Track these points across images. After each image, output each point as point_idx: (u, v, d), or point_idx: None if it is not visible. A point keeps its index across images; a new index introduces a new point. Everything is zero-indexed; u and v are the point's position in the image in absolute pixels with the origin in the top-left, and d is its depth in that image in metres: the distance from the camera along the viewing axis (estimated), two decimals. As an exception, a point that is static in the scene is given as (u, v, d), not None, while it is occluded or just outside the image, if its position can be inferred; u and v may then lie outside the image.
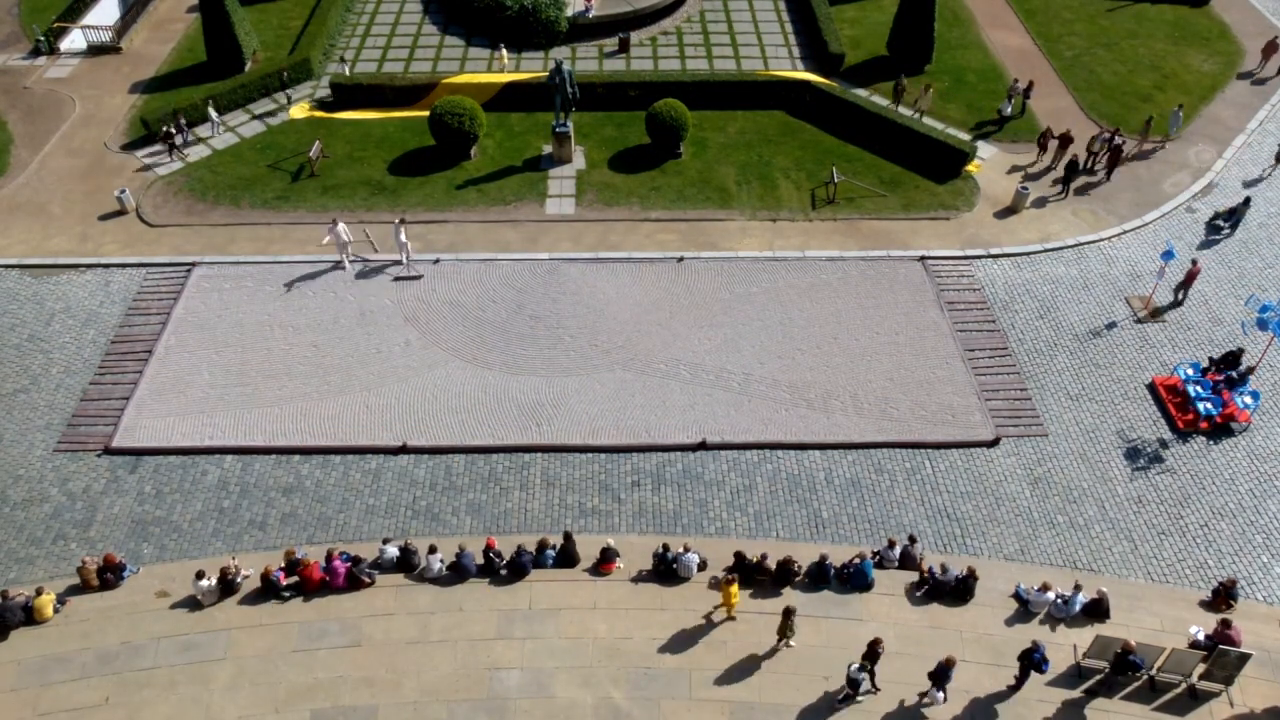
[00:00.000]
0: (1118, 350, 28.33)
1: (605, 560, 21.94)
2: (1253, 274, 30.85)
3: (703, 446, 25.34)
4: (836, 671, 20.09)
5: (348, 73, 38.70)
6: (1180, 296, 29.53)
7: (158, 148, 35.16)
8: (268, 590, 21.23)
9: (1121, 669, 19.53)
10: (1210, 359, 27.62)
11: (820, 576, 21.69)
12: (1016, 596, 21.51)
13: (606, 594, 21.58)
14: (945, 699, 19.53)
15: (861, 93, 38.34)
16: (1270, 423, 26.28)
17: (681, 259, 30.96)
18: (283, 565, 21.50)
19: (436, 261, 30.86)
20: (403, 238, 29.98)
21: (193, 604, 21.13)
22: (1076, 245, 31.86)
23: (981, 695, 19.92)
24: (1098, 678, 19.93)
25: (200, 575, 21.03)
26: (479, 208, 33.20)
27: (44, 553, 22.89)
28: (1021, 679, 19.75)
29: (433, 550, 21.61)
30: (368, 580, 21.48)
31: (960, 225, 32.68)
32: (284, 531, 23.44)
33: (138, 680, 19.85)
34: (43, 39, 40.95)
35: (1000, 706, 19.78)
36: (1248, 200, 32.27)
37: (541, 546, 22.04)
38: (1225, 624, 20.21)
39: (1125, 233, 32.44)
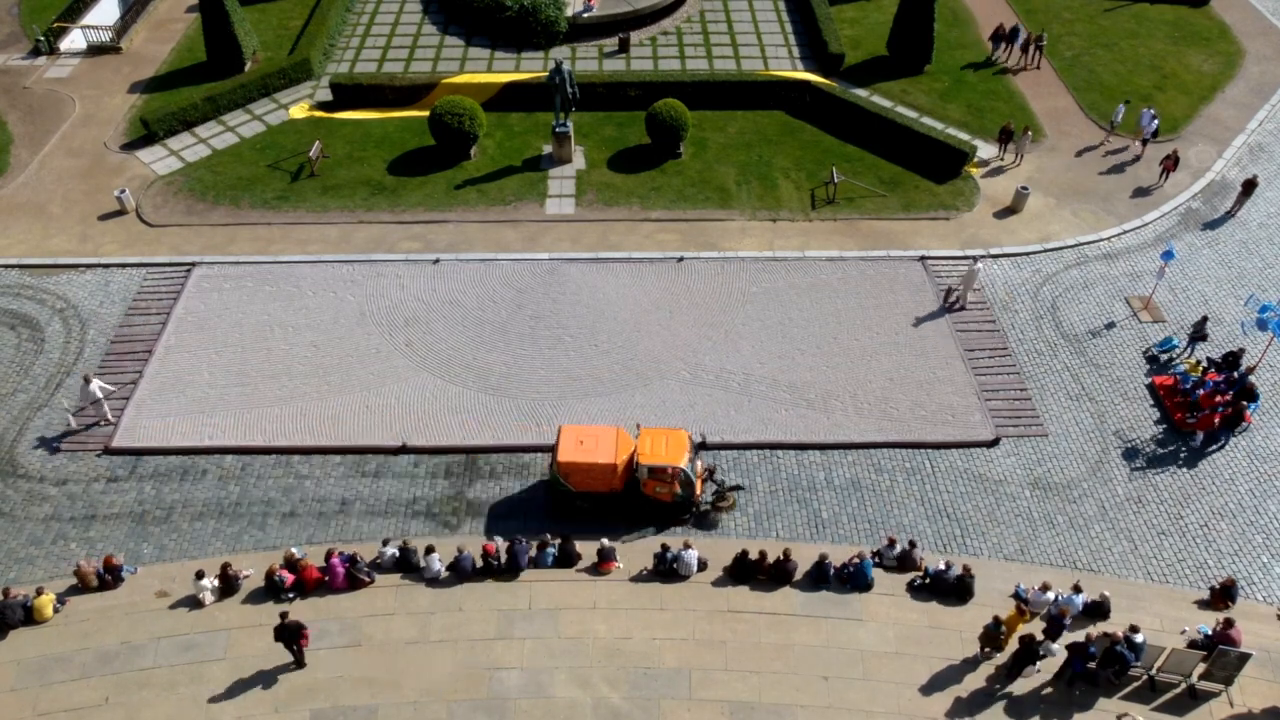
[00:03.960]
0: (1118, 350, 28.33)
1: (604, 560, 21.95)
2: (1253, 274, 30.85)
3: (703, 446, 25.30)
4: (837, 671, 20.10)
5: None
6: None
7: None
8: (271, 590, 21.23)
9: (1110, 660, 19.51)
10: (1209, 359, 27.61)
11: (820, 576, 21.69)
12: (1016, 596, 21.51)
13: (606, 594, 21.58)
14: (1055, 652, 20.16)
15: (861, 93, 38.31)
16: (1270, 423, 26.28)
17: (681, 259, 30.95)
18: (282, 565, 21.48)
19: (436, 261, 30.86)
20: (94, 388, 24.92)
21: (193, 604, 21.13)
22: (1076, 245, 31.87)
23: (981, 695, 19.95)
24: (1097, 673, 19.92)
25: (200, 575, 21.05)
26: (479, 208, 33.19)
27: (44, 553, 22.89)
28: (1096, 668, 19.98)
29: (430, 550, 21.60)
30: (367, 580, 21.48)
31: (960, 225, 32.67)
32: (284, 531, 23.44)
33: (137, 680, 19.85)
34: (43, 39, 40.93)
35: (1000, 705, 19.80)
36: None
37: (541, 546, 22.04)
38: (1229, 623, 20.19)
39: (1125, 233, 32.46)
